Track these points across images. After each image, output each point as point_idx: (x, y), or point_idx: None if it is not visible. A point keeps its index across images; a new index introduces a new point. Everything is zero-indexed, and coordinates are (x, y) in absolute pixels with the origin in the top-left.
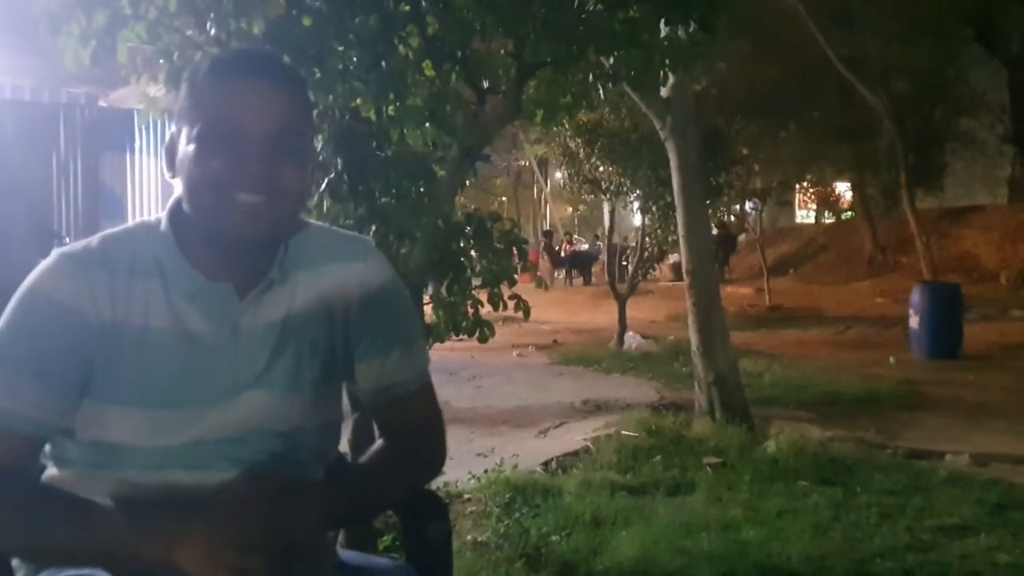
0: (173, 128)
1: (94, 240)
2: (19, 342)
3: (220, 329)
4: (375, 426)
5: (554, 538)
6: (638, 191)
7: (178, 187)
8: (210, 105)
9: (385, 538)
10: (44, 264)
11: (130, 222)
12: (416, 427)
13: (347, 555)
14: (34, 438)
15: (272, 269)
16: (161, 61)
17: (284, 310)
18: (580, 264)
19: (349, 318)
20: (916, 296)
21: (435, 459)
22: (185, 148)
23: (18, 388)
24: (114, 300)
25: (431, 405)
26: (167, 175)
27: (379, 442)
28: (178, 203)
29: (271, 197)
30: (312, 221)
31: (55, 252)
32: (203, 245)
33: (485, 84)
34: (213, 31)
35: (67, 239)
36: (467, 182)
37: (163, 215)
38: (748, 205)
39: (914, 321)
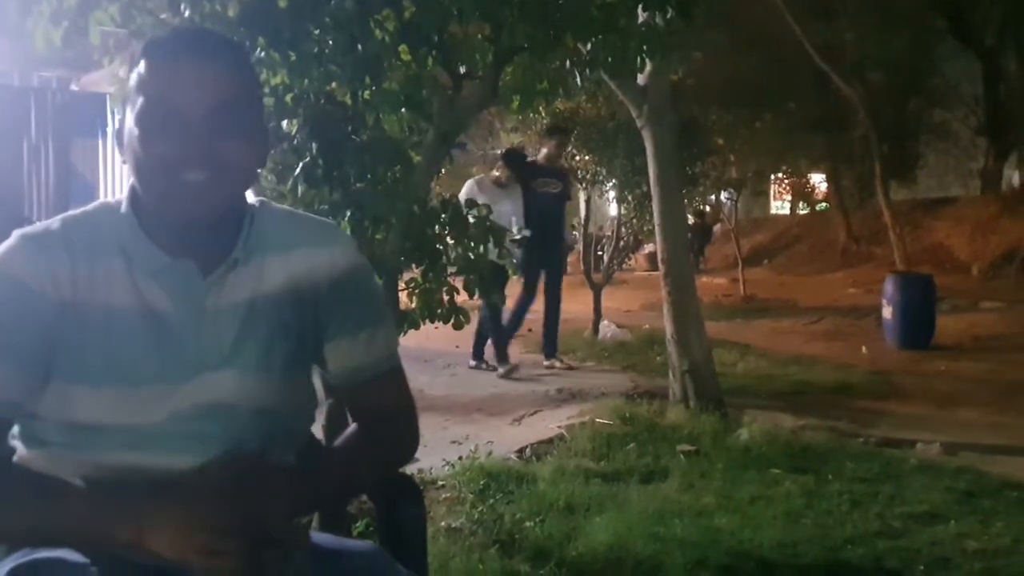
0: (120, 116)
1: (54, 222)
2: None
3: (184, 307)
4: (347, 411)
5: (528, 524)
6: (614, 180)
7: (128, 167)
8: (148, 85)
9: (359, 524)
10: (3, 245)
11: (91, 204)
12: (387, 410)
13: (320, 538)
14: (0, 419)
15: (236, 248)
16: (134, 43)
17: (251, 291)
18: None
19: (318, 301)
20: (889, 287)
21: (408, 442)
22: (129, 130)
23: None
24: (76, 280)
25: (401, 388)
26: (120, 160)
27: (352, 427)
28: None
29: (216, 173)
30: (278, 205)
31: (15, 233)
32: (163, 224)
33: (462, 69)
34: (187, 13)
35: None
36: (443, 169)
37: (124, 197)
38: (723, 195)
39: (887, 311)
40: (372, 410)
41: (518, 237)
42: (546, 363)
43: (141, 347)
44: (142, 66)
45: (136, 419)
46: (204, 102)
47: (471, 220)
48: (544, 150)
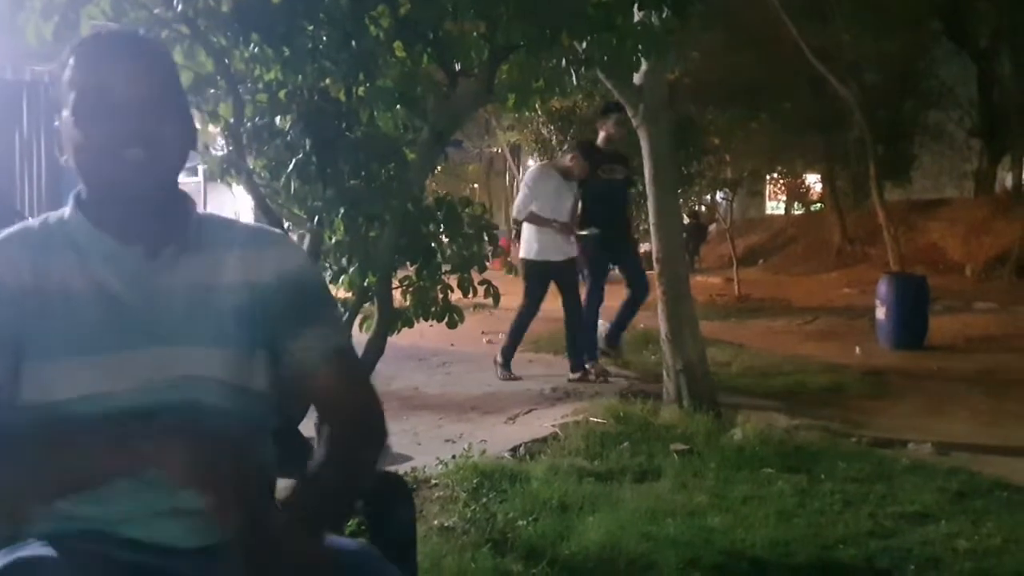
0: (57, 122)
1: (3, 232)
2: None
3: (136, 288)
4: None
5: (521, 523)
6: None
7: (68, 162)
8: (80, 78)
9: (349, 523)
10: None
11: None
12: (346, 396)
13: None
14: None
15: (185, 233)
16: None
17: (202, 277)
18: None
19: (269, 297)
20: (883, 287)
21: (373, 420)
22: (67, 120)
23: None
24: (35, 270)
25: (358, 373)
26: (60, 159)
27: (323, 438)
28: (79, 191)
29: (150, 150)
30: (219, 215)
31: None
32: (108, 213)
33: (457, 66)
34: (180, 8)
35: (29, 219)
36: (438, 167)
37: (66, 208)
38: (719, 195)
39: (880, 312)
40: (332, 399)
41: (586, 233)
42: (603, 352)
43: (101, 321)
44: (72, 64)
45: (102, 388)
46: (132, 86)
47: (466, 219)
48: (602, 132)
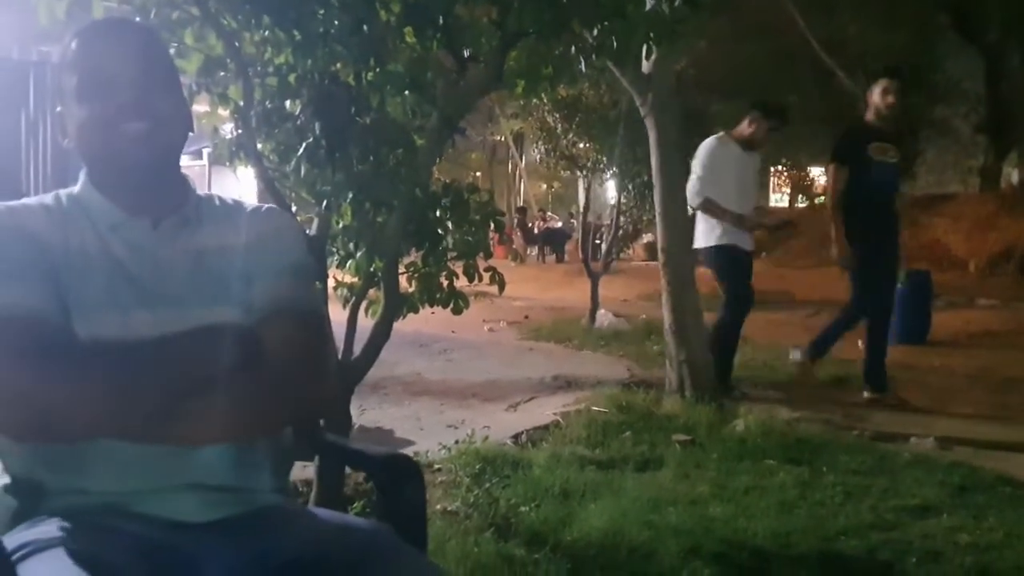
0: (59, 107)
1: (21, 201)
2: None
3: (140, 257)
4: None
5: (523, 509)
6: (614, 169)
7: (71, 145)
8: (83, 61)
9: (356, 505)
10: None
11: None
12: (296, 343)
13: (325, 513)
14: (55, 320)
15: (187, 207)
16: (138, 20)
17: (200, 246)
18: (553, 241)
19: (252, 254)
20: None
21: (307, 387)
22: (71, 103)
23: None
24: (56, 230)
25: (314, 331)
26: (63, 142)
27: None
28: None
29: (152, 122)
30: (218, 194)
31: None
32: (115, 183)
33: (467, 52)
34: None
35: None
36: (443, 154)
37: (78, 185)
38: None
39: None
40: (281, 342)
41: (777, 225)
42: (866, 395)
43: (107, 288)
44: (74, 49)
45: (125, 335)
46: (129, 64)
47: (472, 205)
48: (873, 100)
